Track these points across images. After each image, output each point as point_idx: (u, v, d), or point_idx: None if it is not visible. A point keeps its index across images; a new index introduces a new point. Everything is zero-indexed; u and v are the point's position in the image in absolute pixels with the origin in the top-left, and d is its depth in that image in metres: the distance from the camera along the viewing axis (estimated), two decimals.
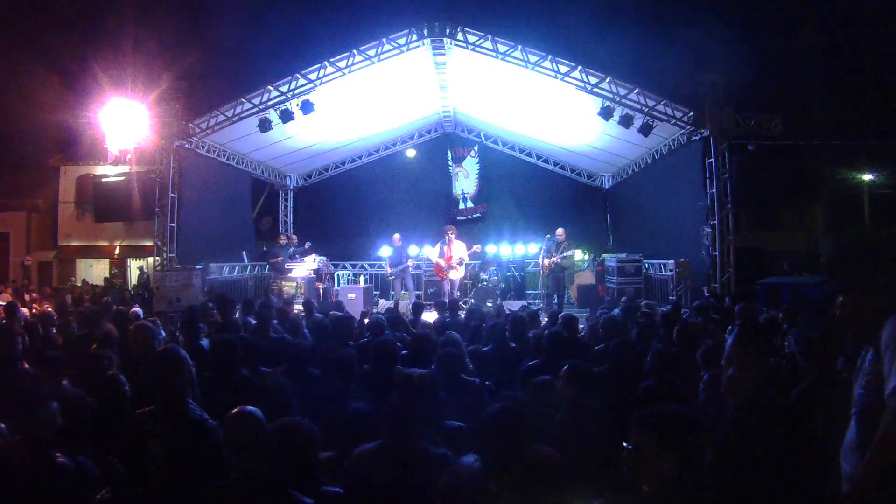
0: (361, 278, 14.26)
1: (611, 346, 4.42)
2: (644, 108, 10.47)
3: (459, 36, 10.43)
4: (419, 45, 10.67)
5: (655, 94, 10.51)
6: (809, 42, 19.85)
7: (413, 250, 12.74)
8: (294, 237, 13.34)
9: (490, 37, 10.34)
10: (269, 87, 11.09)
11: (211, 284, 11.41)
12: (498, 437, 2.25)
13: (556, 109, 12.39)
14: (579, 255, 13.94)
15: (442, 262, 11.60)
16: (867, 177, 21.31)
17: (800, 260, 17.01)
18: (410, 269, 12.46)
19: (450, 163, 16.93)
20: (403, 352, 4.55)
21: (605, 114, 10.58)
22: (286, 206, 17.22)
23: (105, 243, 20.60)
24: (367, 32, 11.07)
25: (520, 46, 10.30)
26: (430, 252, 12.15)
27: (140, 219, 15.35)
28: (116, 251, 20.66)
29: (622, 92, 10.39)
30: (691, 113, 10.48)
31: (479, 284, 11.99)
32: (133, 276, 19.76)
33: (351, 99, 12.18)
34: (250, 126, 11.57)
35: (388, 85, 12.08)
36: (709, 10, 26.32)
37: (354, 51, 10.63)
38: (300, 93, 10.94)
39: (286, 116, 11.10)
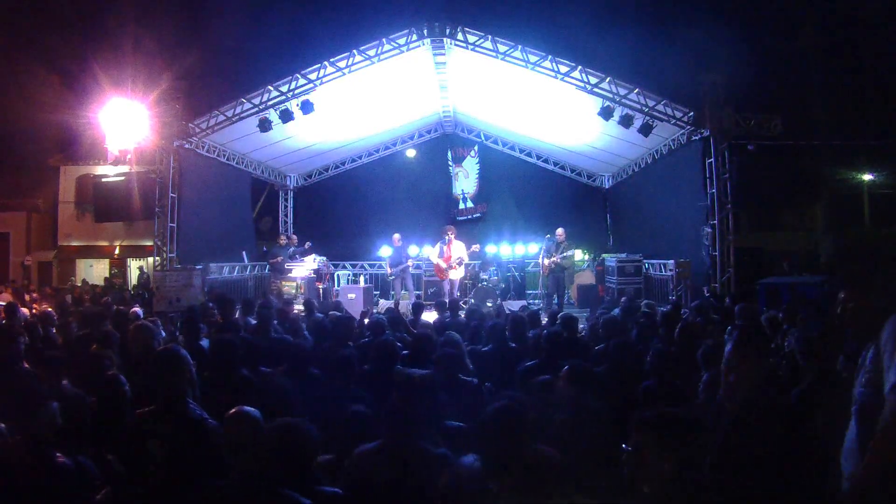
0: (361, 278, 14.26)
1: (611, 346, 4.41)
2: (644, 108, 10.47)
3: (459, 36, 10.44)
4: (419, 45, 10.68)
5: (655, 94, 10.52)
6: (809, 42, 19.84)
7: (413, 250, 12.75)
8: (294, 237, 13.35)
9: (490, 37, 10.35)
10: (269, 87, 11.10)
11: (211, 284, 11.40)
12: (498, 437, 2.25)
13: (556, 109, 12.39)
14: (579, 255, 13.94)
15: (442, 263, 11.60)
16: (867, 177, 21.30)
17: (800, 260, 16.98)
18: (410, 269, 12.46)
19: (450, 163, 16.93)
20: (404, 352, 4.55)
21: (605, 114, 10.58)
22: (286, 206, 17.23)
23: (105, 243, 20.59)
24: (367, 32, 11.11)
25: (520, 46, 10.31)
26: (430, 252, 12.17)
27: (140, 219, 15.35)
28: (116, 251, 20.65)
29: (622, 92, 10.40)
30: (691, 113, 10.48)
31: (479, 284, 12.00)
32: (133, 276, 19.74)
33: (351, 99, 12.18)
34: (250, 126, 11.57)
35: (387, 85, 12.08)
36: (709, 11, 26.37)
37: (354, 51, 10.64)
38: (300, 93, 10.95)
39: (286, 116, 11.11)
